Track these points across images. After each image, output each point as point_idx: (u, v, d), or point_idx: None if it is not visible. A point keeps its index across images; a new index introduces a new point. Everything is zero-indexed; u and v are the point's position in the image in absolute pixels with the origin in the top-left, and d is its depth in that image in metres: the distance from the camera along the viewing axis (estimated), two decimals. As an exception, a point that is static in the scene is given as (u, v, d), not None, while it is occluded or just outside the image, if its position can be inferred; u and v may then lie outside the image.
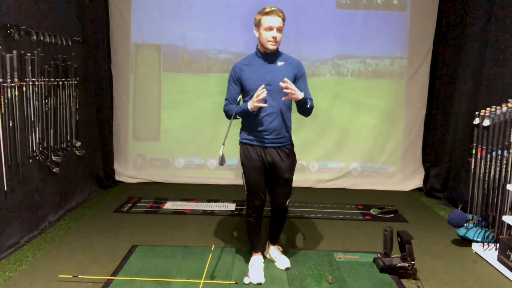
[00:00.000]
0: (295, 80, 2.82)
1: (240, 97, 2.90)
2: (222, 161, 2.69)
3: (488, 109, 3.41)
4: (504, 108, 3.33)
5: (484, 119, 3.40)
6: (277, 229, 3.18)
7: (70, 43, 4.17)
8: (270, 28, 2.67)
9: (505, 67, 3.91)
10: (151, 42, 5.29)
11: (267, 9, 2.68)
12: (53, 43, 3.88)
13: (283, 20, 2.71)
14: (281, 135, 2.84)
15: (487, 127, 3.38)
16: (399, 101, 5.38)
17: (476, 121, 3.48)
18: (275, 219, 3.13)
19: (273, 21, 2.66)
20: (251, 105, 2.68)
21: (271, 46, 2.72)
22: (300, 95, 2.68)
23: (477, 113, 3.52)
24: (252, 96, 2.73)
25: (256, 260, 3.06)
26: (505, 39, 3.94)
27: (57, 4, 4.02)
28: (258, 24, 2.73)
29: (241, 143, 2.93)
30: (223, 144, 2.69)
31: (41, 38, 3.68)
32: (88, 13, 4.64)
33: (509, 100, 3.34)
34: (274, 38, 2.68)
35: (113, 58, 5.27)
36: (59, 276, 2.90)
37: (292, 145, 2.94)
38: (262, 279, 2.90)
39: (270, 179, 2.93)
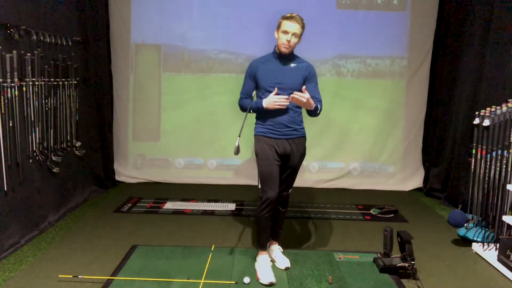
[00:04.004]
0: (304, 82, 2.98)
1: (254, 92, 3.08)
2: (237, 151, 2.94)
3: (488, 109, 3.41)
4: (504, 108, 3.33)
5: (484, 119, 3.40)
6: (279, 221, 3.21)
7: (70, 43, 4.17)
8: (286, 32, 2.84)
9: (505, 67, 3.91)
10: (151, 42, 5.29)
11: (288, 15, 2.88)
12: (53, 43, 3.88)
13: (302, 27, 2.87)
14: (292, 128, 2.97)
15: (487, 127, 3.38)
16: (399, 101, 5.38)
17: (476, 121, 3.48)
18: (277, 208, 3.16)
19: (291, 26, 2.83)
20: (268, 104, 2.86)
21: (283, 49, 2.90)
22: (309, 106, 2.84)
23: (477, 113, 3.52)
24: (265, 92, 2.94)
25: (263, 259, 3.05)
26: (505, 39, 3.94)
27: (57, 4, 4.02)
28: (278, 27, 2.92)
29: (256, 135, 3.05)
30: (239, 136, 2.97)
31: (41, 38, 3.68)
32: (88, 13, 4.64)
33: (509, 100, 3.34)
34: (288, 41, 2.85)
35: (113, 58, 5.26)
36: (59, 276, 2.90)
37: (304, 138, 3.07)
38: (273, 279, 2.88)
39: (280, 168, 3.04)
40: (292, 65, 2.98)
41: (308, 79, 3.00)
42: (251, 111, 3.00)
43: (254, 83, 3.02)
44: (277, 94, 2.87)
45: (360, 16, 5.22)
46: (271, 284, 2.86)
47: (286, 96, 2.84)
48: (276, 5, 5.06)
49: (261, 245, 3.11)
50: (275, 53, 2.98)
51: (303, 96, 2.75)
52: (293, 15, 2.86)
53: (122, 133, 5.43)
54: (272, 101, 2.85)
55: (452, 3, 4.92)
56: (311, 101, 2.83)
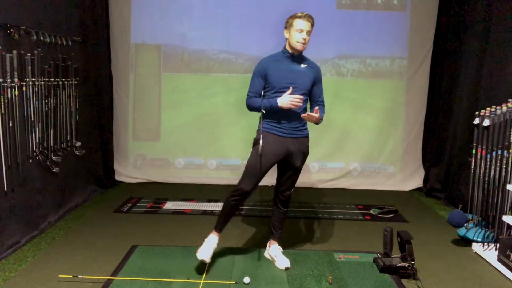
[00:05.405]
0: (313, 83, 3.04)
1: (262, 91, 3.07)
2: (261, 150, 2.92)
3: (488, 109, 3.41)
4: (504, 108, 3.33)
5: (484, 119, 3.40)
6: (280, 220, 3.21)
7: (70, 43, 4.17)
8: (301, 31, 2.89)
9: (505, 67, 3.91)
10: (151, 42, 5.29)
11: (299, 14, 2.92)
12: (53, 43, 3.88)
13: (312, 25, 2.94)
14: (297, 128, 3.02)
15: (487, 127, 3.38)
16: (399, 101, 5.38)
17: (476, 121, 3.48)
18: (279, 207, 3.18)
19: (304, 25, 2.89)
20: (284, 103, 2.86)
21: (299, 46, 2.92)
22: (316, 121, 2.93)
23: (477, 113, 3.51)
24: (276, 92, 2.94)
25: (212, 239, 3.05)
26: (505, 39, 3.94)
27: (57, 4, 4.02)
28: (289, 26, 2.94)
29: (263, 131, 3.00)
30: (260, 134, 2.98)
31: (41, 38, 3.68)
32: (88, 13, 4.64)
33: (509, 100, 3.34)
34: (304, 39, 2.90)
35: (113, 58, 5.27)
36: (59, 276, 2.90)
37: (307, 138, 3.11)
38: (207, 258, 2.95)
39: (282, 167, 3.08)
40: (303, 65, 3.01)
41: (317, 81, 3.06)
42: (263, 110, 2.95)
43: (264, 82, 2.99)
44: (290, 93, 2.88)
45: (360, 16, 5.23)
46: (202, 262, 2.95)
47: (301, 96, 2.87)
48: (276, 5, 5.07)
49: (217, 225, 3.07)
50: (286, 52, 2.99)
51: (314, 116, 2.84)
52: (304, 14, 2.90)
53: (122, 133, 5.43)
54: (288, 100, 2.85)
55: (452, 3, 4.92)
56: (319, 117, 2.91)
